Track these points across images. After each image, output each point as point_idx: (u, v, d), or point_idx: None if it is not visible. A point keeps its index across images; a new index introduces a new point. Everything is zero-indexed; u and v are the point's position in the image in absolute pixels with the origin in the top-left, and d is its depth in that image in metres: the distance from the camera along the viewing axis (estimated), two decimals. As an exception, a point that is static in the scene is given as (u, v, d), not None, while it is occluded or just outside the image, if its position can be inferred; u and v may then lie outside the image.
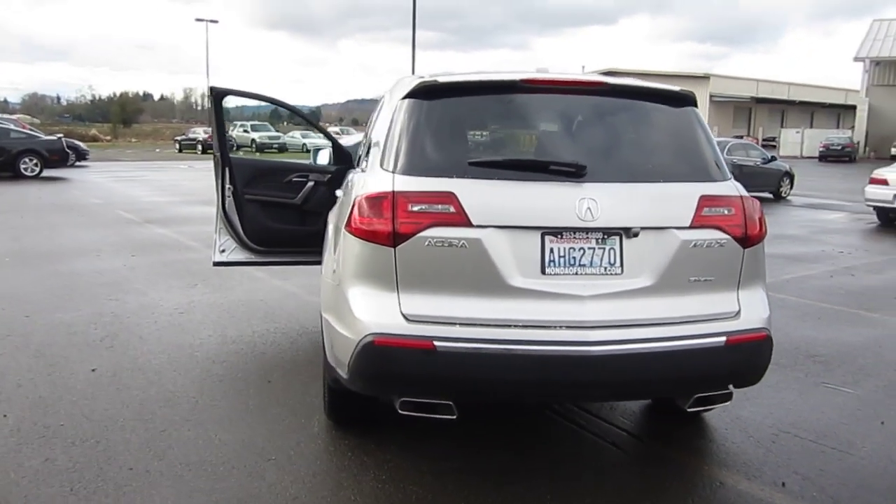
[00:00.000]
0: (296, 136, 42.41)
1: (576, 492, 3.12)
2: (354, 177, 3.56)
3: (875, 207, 12.55)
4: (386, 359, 2.81)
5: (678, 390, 2.97)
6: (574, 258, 2.88)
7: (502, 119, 3.09)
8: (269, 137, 39.53)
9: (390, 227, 2.85)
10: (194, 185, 18.51)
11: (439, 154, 3.00)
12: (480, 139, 3.07)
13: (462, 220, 2.82)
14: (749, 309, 3.06)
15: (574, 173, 2.92)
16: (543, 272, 2.86)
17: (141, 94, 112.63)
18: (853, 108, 46.81)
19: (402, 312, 2.84)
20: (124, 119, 64.64)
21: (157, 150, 39.79)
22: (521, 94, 3.12)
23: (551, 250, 2.87)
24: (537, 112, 3.13)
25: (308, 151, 41.00)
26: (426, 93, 3.09)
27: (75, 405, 3.88)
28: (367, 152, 3.83)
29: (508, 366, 2.77)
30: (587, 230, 2.88)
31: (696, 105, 3.29)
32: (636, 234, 2.91)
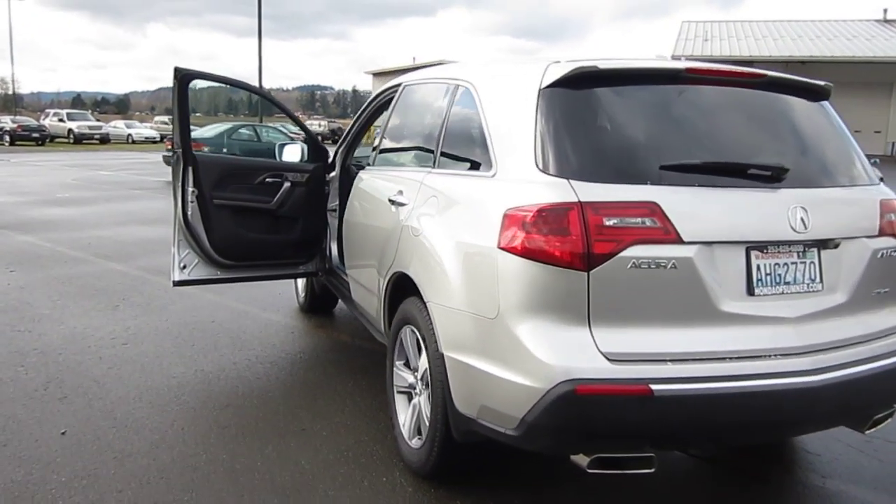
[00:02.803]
0: (119, 126, 38.72)
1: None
2: (457, 182, 2.92)
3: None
4: (591, 410, 2.26)
5: (877, 411, 2.69)
6: (779, 275, 2.49)
7: (672, 114, 2.63)
8: (90, 127, 35.60)
9: (582, 246, 2.29)
10: (24, 181, 16.11)
11: (621, 155, 2.48)
12: (656, 137, 2.58)
13: (671, 236, 2.33)
14: None
15: (774, 178, 2.53)
16: (751, 293, 2.44)
17: None
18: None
19: (600, 351, 2.30)
20: None
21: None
22: (685, 84, 2.67)
23: (758, 267, 2.46)
24: (705, 106, 2.68)
25: (134, 143, 37.59)
26: (586, 81, 2.55)
27: (73, 490, 2.89)
28: (439, 147, 3.20)
29: (733, 407, 2.32)
30: (790, 243, 2.51)
31: (829, 98, 3.03)
32: (836, 245, 2.59)
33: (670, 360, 2.32)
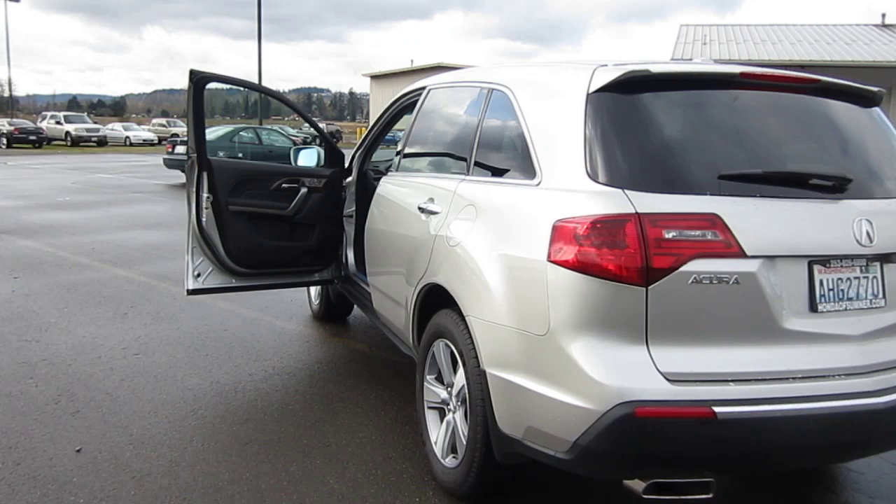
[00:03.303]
0: (117, 129, 38.53)
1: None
2: (496, 190, 2.78)
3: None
4: (650, 434, 2.13)
5: None
6: (842, 291, 2.37)
7: (727, 120, 2.50)
8: (87, 130, 35.38)
9: (640, 260, 2.17)
10: (23, 185, 15.91)
11: (677, 164, 2.35)
12: (712, 145, 2.46)
13: (733, 249, 2.21)
14: None
15: (836, 188, 2.41)
16: (814, 310, 2.32)
17: None
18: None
19: (659, 371, 2.17)
20: None
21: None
22: (738, 89, 2.55)
23: (820, 283, 2.34)
24: (759, 112, 2.56)
25: (132, 145, 37.42)
26: (637, 85, 2.43)
27: (91, 511, 2.77)
28: (473, 154, 3.08)
29: (796, 430, 2.20)
30: (853, 257, 2.39)
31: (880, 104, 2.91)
32: None
33: (732, 381, 2.20)
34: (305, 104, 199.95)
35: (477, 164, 3.04)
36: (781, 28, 40.00)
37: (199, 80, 4.13)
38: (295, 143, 18.54)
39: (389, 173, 4.00)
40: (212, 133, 18.01)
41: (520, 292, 2.43)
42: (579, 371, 2.21)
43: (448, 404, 3.01)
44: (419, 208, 3.28)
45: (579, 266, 2.23)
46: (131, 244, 8.55)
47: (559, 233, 2.30)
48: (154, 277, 6.80)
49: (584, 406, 2.19)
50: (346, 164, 4.85)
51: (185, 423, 3.59)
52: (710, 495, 2.26)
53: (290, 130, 31.41)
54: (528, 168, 2.63)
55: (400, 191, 3.75)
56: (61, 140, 34.45)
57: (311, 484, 3.02)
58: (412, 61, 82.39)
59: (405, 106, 4.28)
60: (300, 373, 4.39)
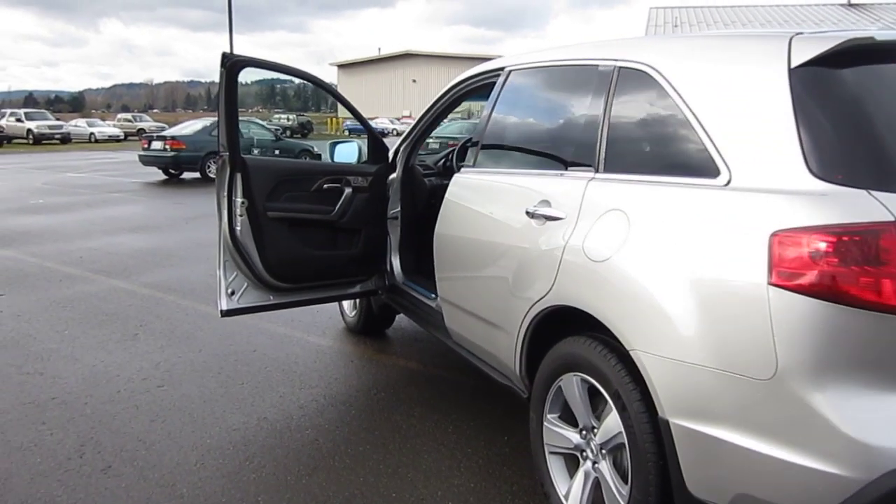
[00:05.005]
0: (81, 125, 37.11)
1: None
2: (658, 192, 2.22)
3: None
4: (935, 509, 1.64)
5: None
6: None
7: None
8: (50, 127, 33.89)
9: (911, 281, 1.66)
10: (-11, 187, 14.94)
11: None
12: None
13: None
14: None
15: None
16: None
17: None
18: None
19: (930, 424, 1.68)
20: None
21: None
22: None
23: None
24: None
25: (97, 142, 36.06)
26: (857, 57, 1.93)
27: None
28: (602, 147, 2.54)
29: None
30: None
31: None
32: None
33: None
34: (269, 96, 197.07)
35: (610, 159, 2.50)
36: (751, 9, 39.91)
37: (232, 64, 3.53)
38: (276, 136, 17.75)
39: (464, 169, 3.43)
40: (188, 127, 17.22)
41: (725, 324, 1.90)
42: (827, 426, 1.70)
43: (583, 451, 2.48)
44: (528, 213, 2.73)
45: (820, 291, 1.71)
46: (122, 251, 7.85)
47: (783, 247, 1.78)
48: (157, 289, 6.15)
49: (837, 472, 1.68)
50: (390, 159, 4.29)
51: (242, 476, 3.01)
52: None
53: (260, 122, 30.45)
54: (704, 164, 2.09)
55: (488, 191, 3.18)
56: (23, 138, 32.95)
57: (420, 555, 2.48)
58: (379, 50, 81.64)
59: (468, 91, 3.72)
60: (357, 401, 3.82)
